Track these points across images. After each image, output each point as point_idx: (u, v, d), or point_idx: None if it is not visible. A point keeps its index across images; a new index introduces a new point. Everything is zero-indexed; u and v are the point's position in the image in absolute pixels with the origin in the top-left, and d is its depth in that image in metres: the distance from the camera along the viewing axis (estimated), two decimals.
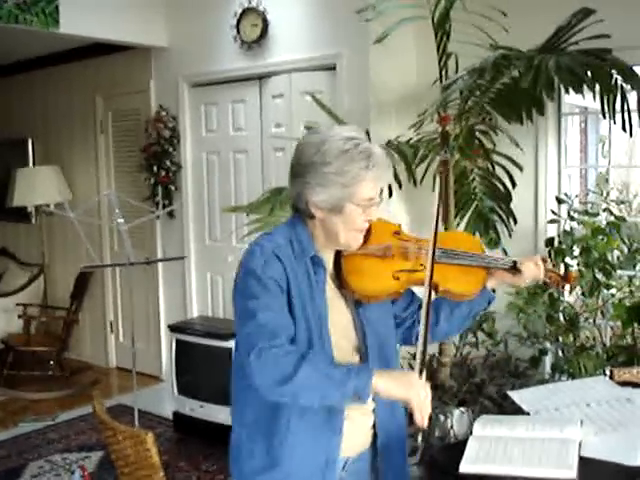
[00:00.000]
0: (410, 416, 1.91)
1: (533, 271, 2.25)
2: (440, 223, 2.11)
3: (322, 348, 2.00)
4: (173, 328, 5.33)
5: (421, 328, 2.01)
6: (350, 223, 2.01)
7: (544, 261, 2.28)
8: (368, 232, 2.09)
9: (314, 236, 2.07)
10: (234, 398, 2.17)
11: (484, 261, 2.24)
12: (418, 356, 1.97)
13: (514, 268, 2.24)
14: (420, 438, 1.95)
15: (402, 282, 2.12)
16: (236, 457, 2.17)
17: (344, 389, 1.84)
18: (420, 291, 2.17)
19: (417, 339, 2.23)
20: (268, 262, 1.97)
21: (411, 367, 2.65)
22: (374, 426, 2.17)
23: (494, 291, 2.33)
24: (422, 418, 1.88)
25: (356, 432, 2.13)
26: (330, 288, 2.10)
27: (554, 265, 2.33)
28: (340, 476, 2.13)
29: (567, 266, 4.14)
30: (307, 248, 2.05)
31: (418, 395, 1.87)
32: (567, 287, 2.39)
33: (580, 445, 2.06)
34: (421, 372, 1.93)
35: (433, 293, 2.12)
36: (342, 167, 1.95)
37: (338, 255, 2.13)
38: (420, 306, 2.27)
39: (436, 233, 2.09)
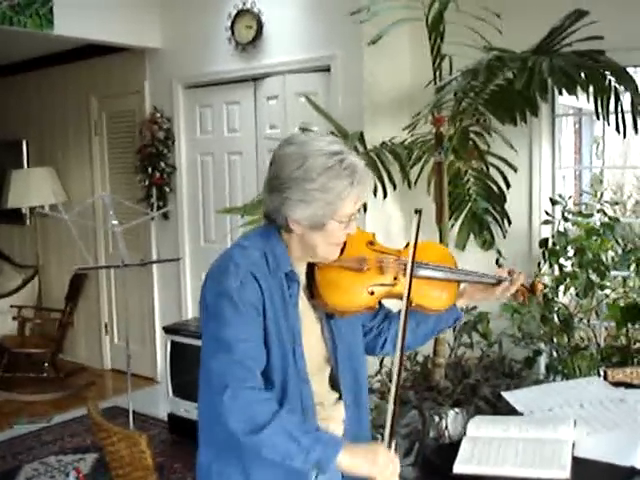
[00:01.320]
0: None
1: (503, 285, 2.21)
2: (419, 239, 2.05)
3: (295, 364, 1.96)
4: (168, 329, 5.33)
5: (391, 394, 1.91)
6: (330, 238, 1.95)
7: (511, 273, 2.25)
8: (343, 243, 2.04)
9: (289, 249, 2.00)
10: (201, 414, 2.09)
11: (457, 275, 2.21)
12: (387, 425, 1.88)
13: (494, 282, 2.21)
14: None
15: (376, 296, 2.08)
16: (205, 478, 2.08)
17: (307, 457, 1.79)
18: (391, 304, 2.13)
19: (382, 349, 2.25)
20: (244, 284, 1.89)
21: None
22: (343, 435, 2.11)
23: (463, 311, 2.32)
24: None
25: None
26: (302, 300, 2.04)
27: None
28: None
29: (561, 267, 4.15)
30: (282, 263, 1.97)
31: (382, 473, 1.81)
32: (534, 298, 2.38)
33: (574, 445, 2.07)
34: (390, 443, 1.86)
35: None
36: (326, 184, 1.87)
37: (310, 265, 2.07)
38: (386, 316, 2.26)
39: (414, 253, 2.04)
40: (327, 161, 1.88)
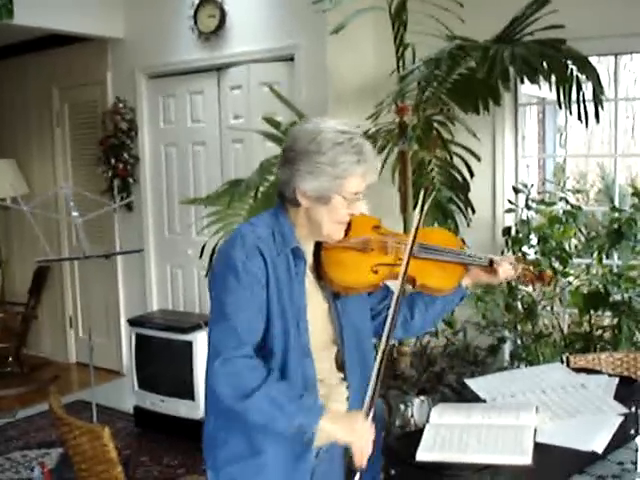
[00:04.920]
0: (351, 457, 1.98)
1: (508, 271, 2.31)
2: (422, 220, 2.17)
3: (299, 339, 2.05)
4: (133, 322, 5.29)
5: (374, 372, 2.00)
6: (334, 214, 2.05)
7: (518, 260, 2.36)
8: (348, 225, 2.13)
9: (296, 226, 2.10)
10: (208, 386, 2.18)
11: (461, 257, 2.29)
12: (368, 396, 1.99)
13: (490, 266, 2.30)
14: (357, 478, 1.99)
15: (380, 275, 2.16)
16: (210, 445, 2.19)
17: (291, 423, 1.94)
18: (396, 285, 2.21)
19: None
20: (249, 257, 1.99)
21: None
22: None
23: (467, 289, 2.39)
24: (361, 460, 1.97)
25: None
26: (309, 280, 2.13)
27: (533, 265, 2.42)
28: (313, 464, 2.17)
29: (525, 255, 4.18)
30: (289, 239, 2.07)
31: (359, 440, 1.97)
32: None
33: (535, 431, 2.08)
34: (368, 413, 1.98)
35: (410, 287, 2.19)
36: (335, 158, 1.99)
37: (318, 247, 2.16)
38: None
39: (417, 230, 2.14)
40: (337, 137, 2.00)
